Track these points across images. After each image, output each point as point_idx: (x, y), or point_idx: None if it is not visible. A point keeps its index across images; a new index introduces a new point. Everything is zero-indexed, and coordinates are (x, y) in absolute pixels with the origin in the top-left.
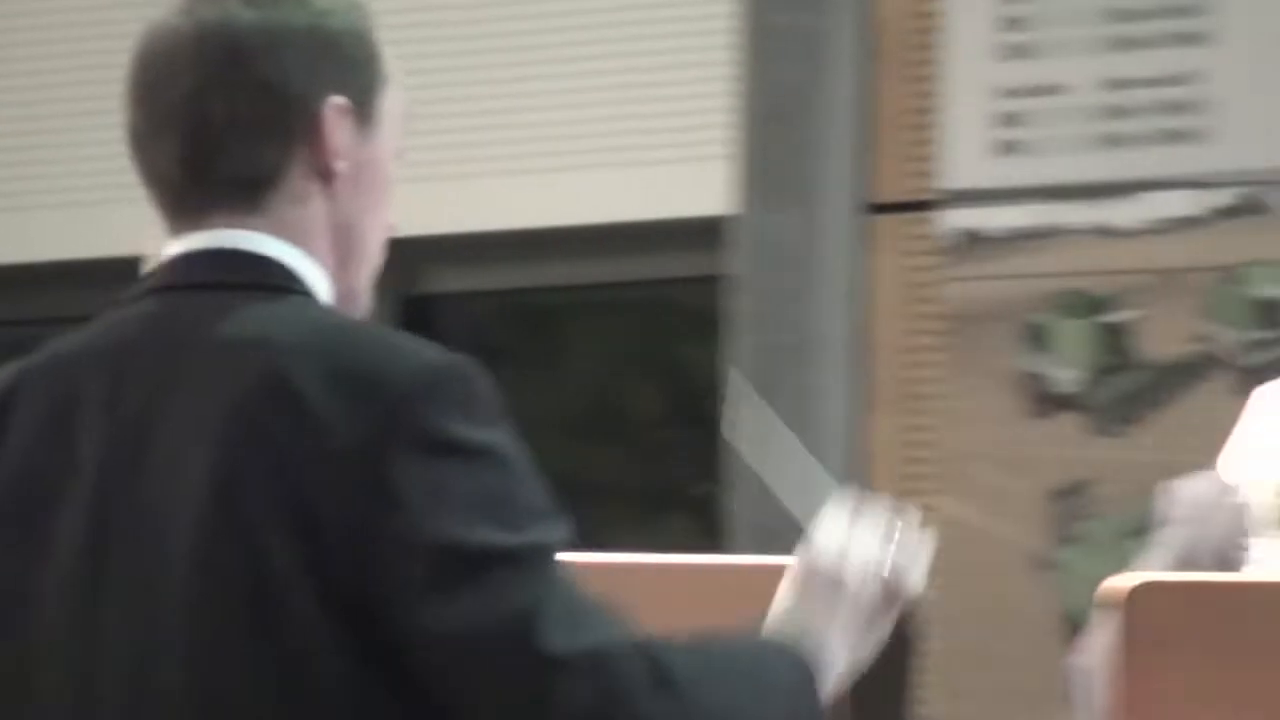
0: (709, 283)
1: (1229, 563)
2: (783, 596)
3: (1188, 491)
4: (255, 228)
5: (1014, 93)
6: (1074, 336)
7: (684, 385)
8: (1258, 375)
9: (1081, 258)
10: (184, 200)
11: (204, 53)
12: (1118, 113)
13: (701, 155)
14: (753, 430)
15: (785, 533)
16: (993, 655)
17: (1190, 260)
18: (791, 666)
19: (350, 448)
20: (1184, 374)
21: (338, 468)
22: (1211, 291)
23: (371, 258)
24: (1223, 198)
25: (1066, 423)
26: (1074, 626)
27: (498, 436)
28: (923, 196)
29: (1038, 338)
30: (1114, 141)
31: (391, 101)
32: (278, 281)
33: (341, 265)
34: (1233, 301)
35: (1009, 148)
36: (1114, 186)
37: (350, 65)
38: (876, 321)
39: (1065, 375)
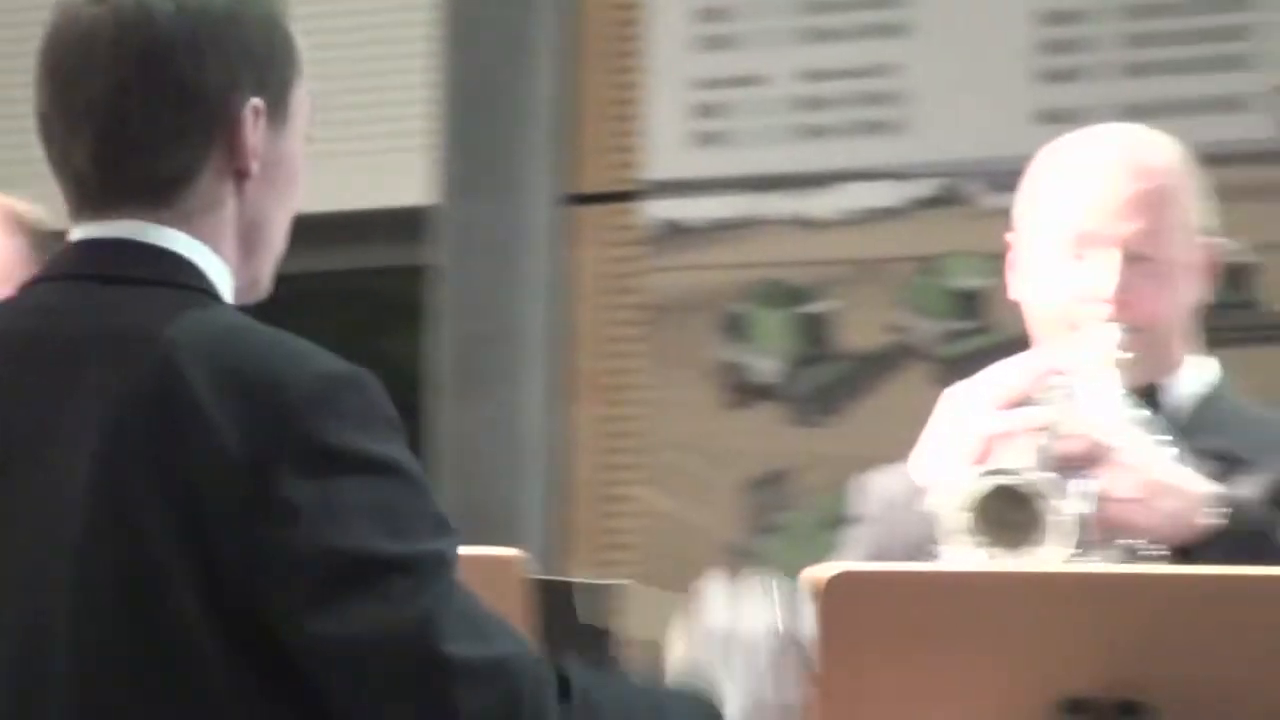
0: (411, 273)
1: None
2: (678, 662)
3: (879, 489)
4: (163, 222)
5: (714, 84)
6: (773, 327)
7: (386, 376)
8: (956, 366)
9: (781, 248)
10: (93, 192)
11: (122, 50)
12: (816, 104)
13: (403, 146)
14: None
15: (489, 521)
16: None
17: (888, 251)
18: (694, 706)
19: (241, 455)
20: (883, 364)
21: (227, 475)
22: (910, 282)
23: (276, 248)
24: (921, 189)
25: (766, 413)
26: None
27: (392, 448)
28: (624, 187)
29: (737, 328)
30: (813, 133)
31: (302, 93)
32: (181, 278)
33: (246, 258)
34: (931, 292)
35: (709, 139)
36: (813, 177)
37: (268, 63)
38: (578, 312)
39: (764, 365)
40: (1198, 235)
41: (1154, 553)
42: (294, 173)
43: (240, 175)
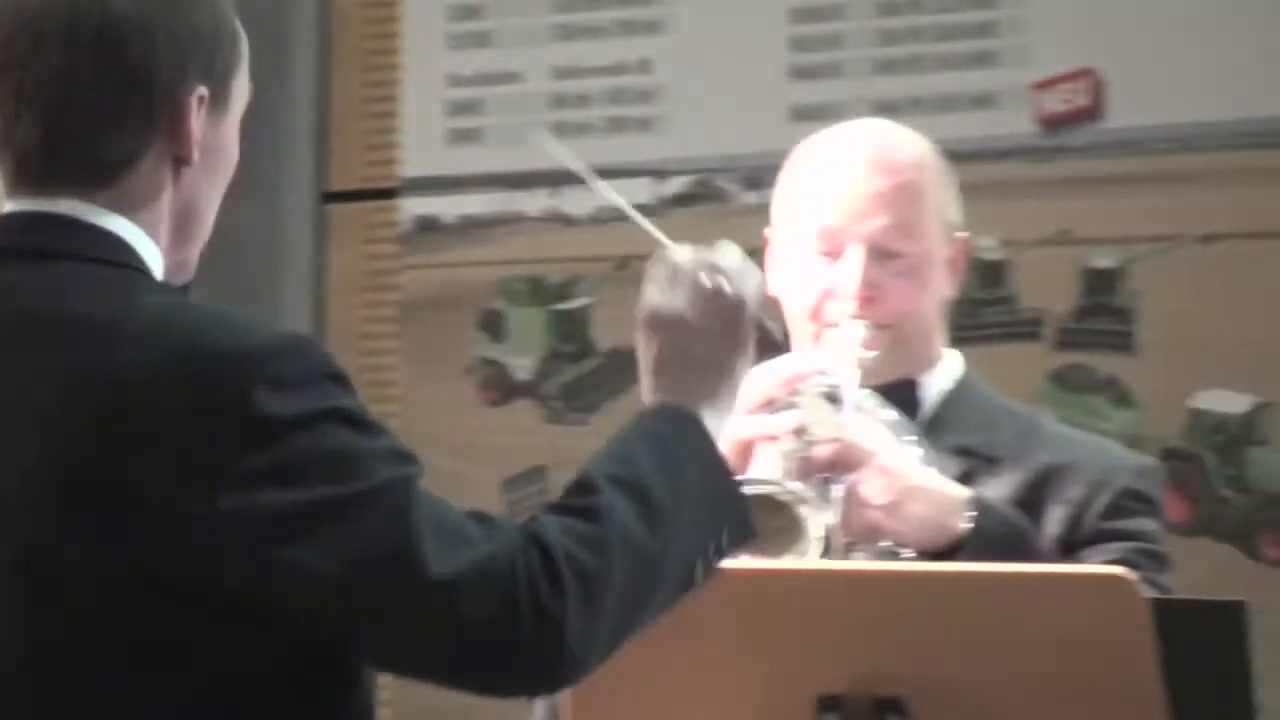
0: None
1: None
2: (641, 358)
3: None
4: (101, 204)
5: (469, 81)
6: (529, 324)
7: None
8: None
9: (537, 245)
10: (34, 171)
11: (75, 33)
12: (571, 101)
13: None
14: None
15: None
16: None
17: (644, 248)
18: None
19: (190, 433)
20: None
21: (177, 454)
22: None
23: (206, 233)
24: (676, 185)
25: (523, 410)
26: None
27: (337, 400)
28: (381, 185)
29: (494, 326)
30: (567, 129)
31: (243, 80)
32: (119, 258)
33: (178, 243)
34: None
35: (465, 136)
36: (568, 175)
37: (215, 50)
38: (335, 309)
39: (521, 363)
40: (948, 231)
41: (908, 557)
42: (230, 160)
43: (180, 162)
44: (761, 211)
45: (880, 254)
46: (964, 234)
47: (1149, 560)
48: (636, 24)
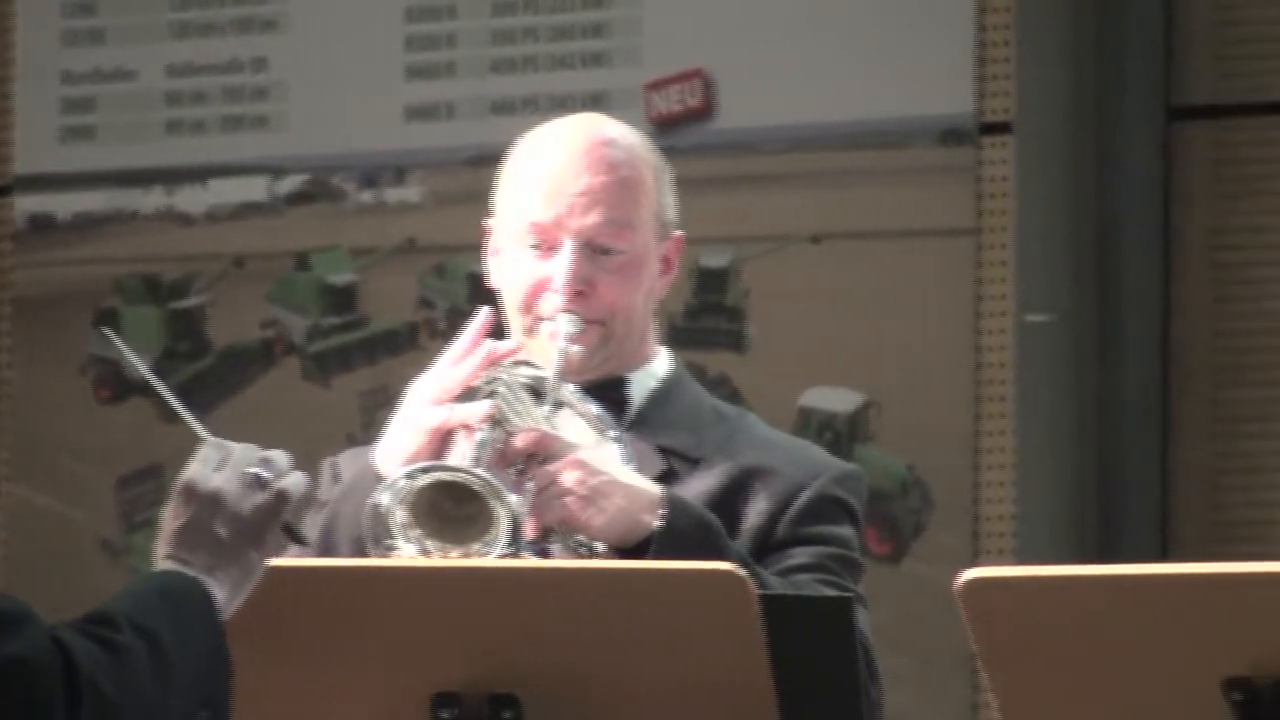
0: None
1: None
2: (166, 524)
3: (346, 474)
4: None
5: (84, 78)
6: (145, 322)
7: None
8: (326, 360)
9: (153, 243)
10: None
11: None
12: (186, 99)
13: None
14: None
15: None
16: None
17: (259, 246)
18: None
19: None
20: (254, 359)
21: None
22: (281, 277)
23: None
24: (291, 184)
25: (137, 409)
26: None
27: None
28: None
29: (109, 323)
30: (183, 128)
31: None
32: None
33: None
34: (302, 287)
35: (79, 133)
36: (183, 172)
37: None
38: None
39: (137, 361)
40: (663, 229)
41: (600, 551)
42: None
43: None
44: (378, 210)
45: (594, 250)
46: (680, 232)
47: (840, 565)
48: (253, 22)
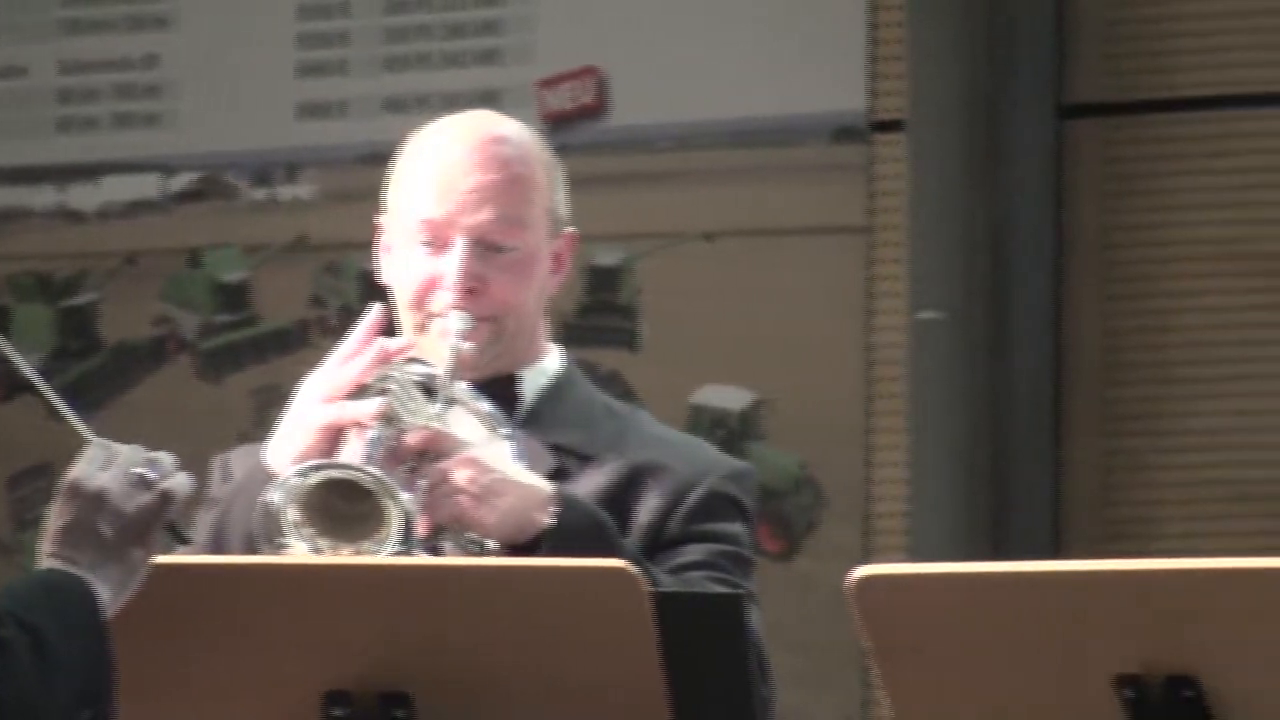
0: None
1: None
2: (51, 522)
3: (238, 471)
4: None
5: None
6: (36, 320)
7: None
8: (218, 358)
9: (44, 241)
10: None
11: None
12: (77, 96)
13: None
14: None
15: None
16: None
17: (151, 243)
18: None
19: None
20: (146, 357)
21: None
22: (173, 275)
23: None
24: (183, 181)
25: (28, 407)
26: None
27: None
28: None
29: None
30: (74, 125)
31: None
32: None
33: None
34: (194, 285)
35: None
36: (75, 170)
37: None
38: None
39: (26, 359)
40: (555, 226)
41: (492, 548)
42: None
43: None
44: (270, 207)
45: (485, 247)
46: (572, 229)
47: (732, 563)
48: (144, 19)
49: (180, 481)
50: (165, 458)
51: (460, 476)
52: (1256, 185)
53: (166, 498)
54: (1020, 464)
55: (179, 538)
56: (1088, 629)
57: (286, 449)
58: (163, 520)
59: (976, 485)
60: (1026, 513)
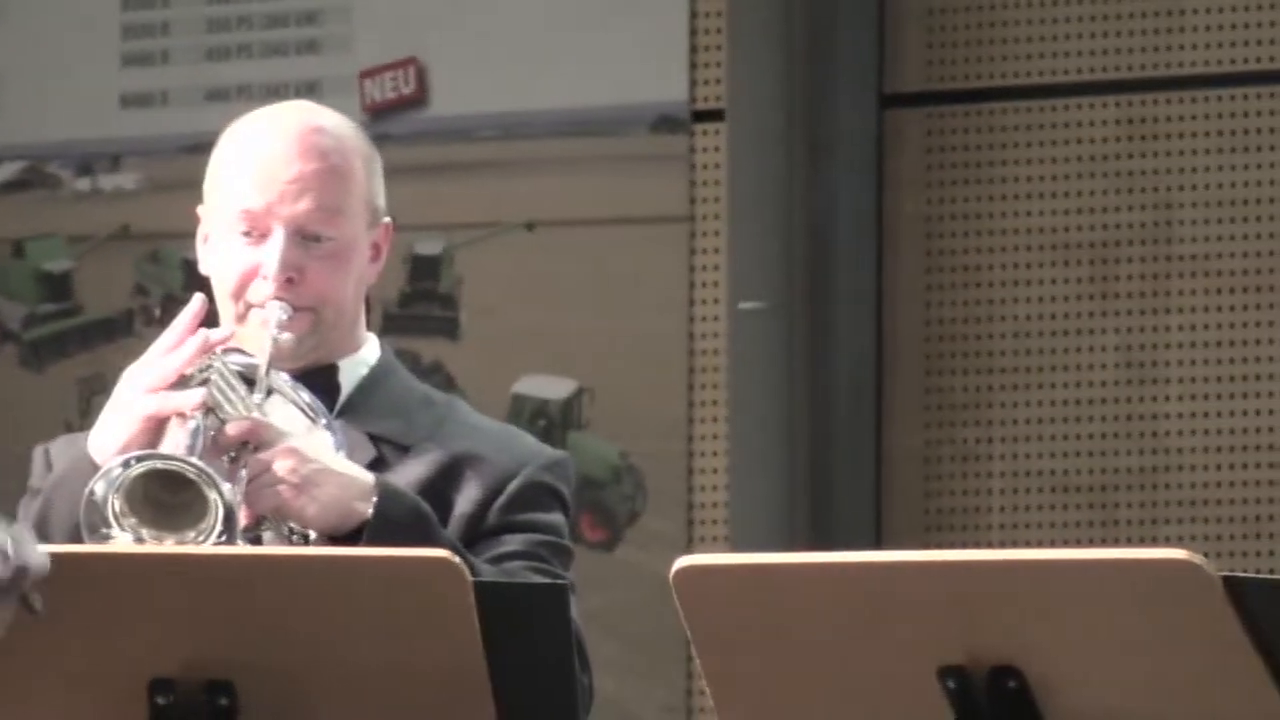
0: None
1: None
2: None
3: (59, 461)
4: None
5: None
6: None
7: None
8: (42, 347)
9: None
10: None
11: None
12: None
13: None
14: None
15: None
16: None
17: None
18: None
19: None
20: None
21: None
22: None
23: None
24: (6, 171)
25: None
26: None
27: None
28: None
29: None
30: None
31: None
32: None
33: None
34: (17, 275)
35: None
36: None
37: None
38: None
39: None
40: (374, 216)
41: (314, 539)
42: None
43: None
44: (93, 197)
45: (303, 237)
46: (389, 219)
47: (551, 552)
48: None
49: (37, 559)
50: (24, 533)
51: (281, 467)
52: (1079, 174)
53: (22, 572)
54: (842, 454)
55: (30, 609)
56: (910, 620)
57: (109, 439)
58: (16, 594)
59: (798, 476)
60: (848, 503)
